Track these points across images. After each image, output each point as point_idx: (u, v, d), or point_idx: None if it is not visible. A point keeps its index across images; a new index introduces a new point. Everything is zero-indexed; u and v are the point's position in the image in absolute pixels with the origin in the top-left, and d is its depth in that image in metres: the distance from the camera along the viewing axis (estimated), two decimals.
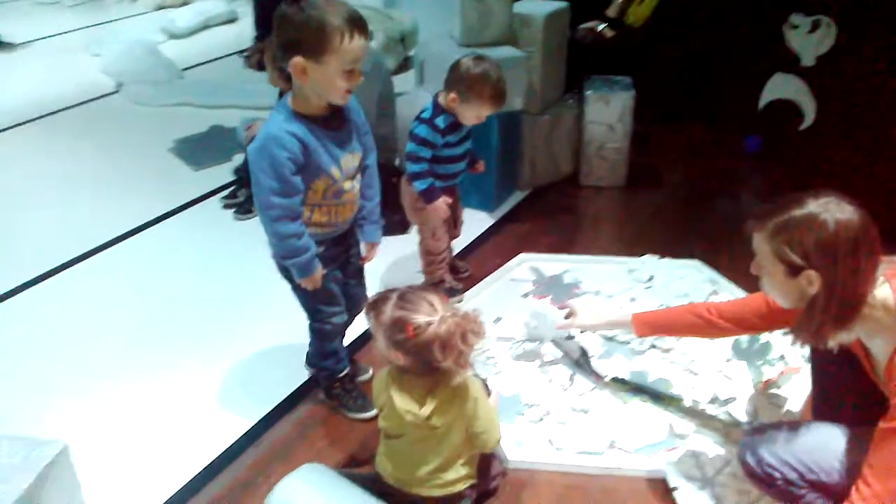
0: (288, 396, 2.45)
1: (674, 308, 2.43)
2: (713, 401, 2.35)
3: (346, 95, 1.90)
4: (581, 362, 2.53)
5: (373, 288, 2.28)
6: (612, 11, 4.83)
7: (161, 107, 5.03)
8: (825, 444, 1.75)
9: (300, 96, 1.92)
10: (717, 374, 2.46)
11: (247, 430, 2.31)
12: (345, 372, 2.37)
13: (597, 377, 2.47)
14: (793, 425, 1.85)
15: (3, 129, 4.75)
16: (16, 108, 5.05)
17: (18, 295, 3.06)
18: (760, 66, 4.10)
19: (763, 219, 1.62)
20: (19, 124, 4.82)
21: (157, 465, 2.20)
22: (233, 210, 3.63)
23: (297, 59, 1.80)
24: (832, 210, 1.53)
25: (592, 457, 2.17)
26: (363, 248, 2.28)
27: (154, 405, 2.43)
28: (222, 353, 2.63)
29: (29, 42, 6.69)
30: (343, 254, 2.22)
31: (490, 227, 3.50)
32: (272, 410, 2.39)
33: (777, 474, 1.76)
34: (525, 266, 3.14)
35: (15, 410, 2.40)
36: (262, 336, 2.70)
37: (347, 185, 2.04)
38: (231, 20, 7.16)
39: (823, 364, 1.90)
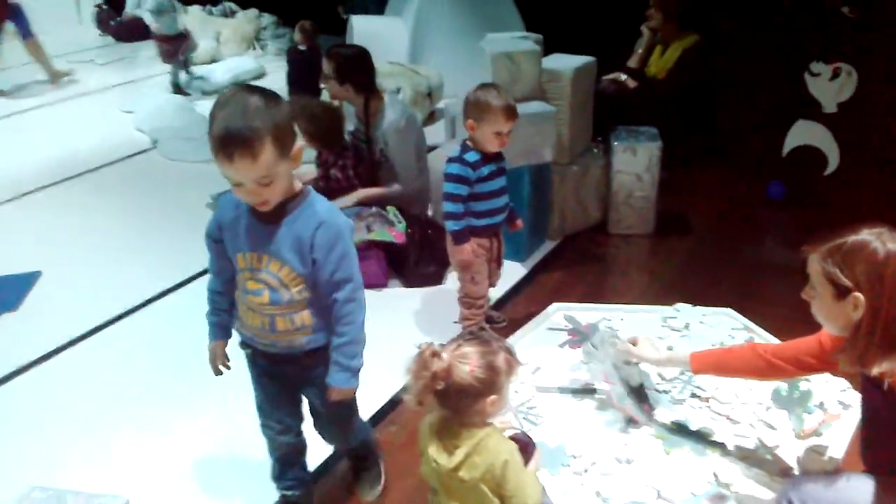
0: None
1: (732, 348, 2.48)
2: (756, 448, 2.38)
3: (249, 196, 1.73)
4: (638, 390, 2.57)
5: (410, 338, 2.31)
6: (633, 62, 4.99)
7: (195, 163, 5.16)
8: (853, 498, 1.78)
9: None
10: (758, 422, 2.49)
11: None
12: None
13: (649, 409, 2.50)
14: (830, 477, 1.88)
15: (45, 187, 4.86)
16: (59, 164, 5.16)
17: (69, 349, 3.15)
18: (783, 113, 4.19)
19: (819, 243, 1.71)
20: (62, 181, 4.94)
21: None
22: None
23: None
24: (884, 239, 1.64)
25: None
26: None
27: (209, 459, 2.49)
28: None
29: (63, 100, 6.89)
30: (286, 377, 2.02)
31: (522, 277, 3.57)
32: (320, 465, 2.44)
33: None
34: (560, 314, 3.19)
35: (76, 465, 2.46)
36: None
37: (252, 286, 1.83)
38: (260, 76, 7.35)
39: (873, 407, 1.93)
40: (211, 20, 8.28)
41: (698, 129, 4.63)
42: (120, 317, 3.37)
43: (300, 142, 1.72)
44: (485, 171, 2.79)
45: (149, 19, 7.07)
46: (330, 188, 3.67)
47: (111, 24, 9.14)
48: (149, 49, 7.61)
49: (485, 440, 1.72)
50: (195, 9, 8.35)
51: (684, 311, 3.15)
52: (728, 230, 3.99)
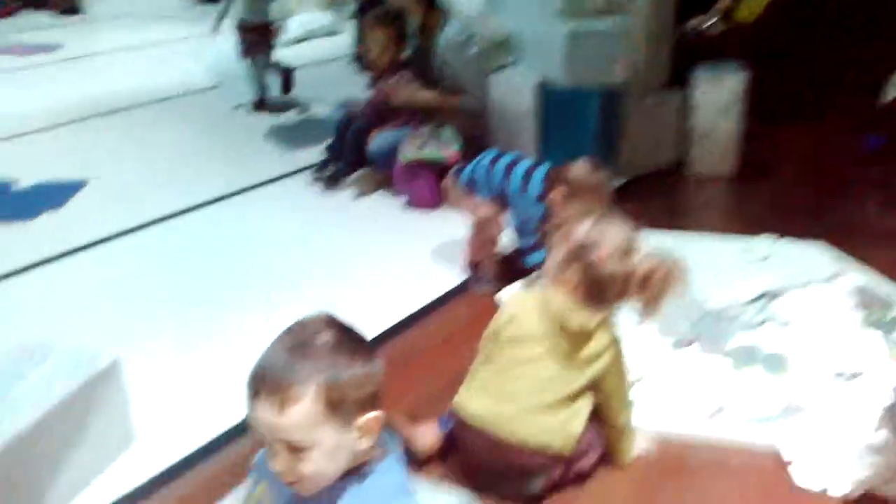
0: None
1: None
2: (840, 375, 2.04)
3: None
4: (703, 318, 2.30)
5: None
6: (721, 5, 4.61)
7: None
8: None
9: None
10: (843, 347, 2.15)
11: None
12: None
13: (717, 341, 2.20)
14: None
15: (123, 109, 5.00)
16: (133, 95, 5.30)
17: (121, 238, 3.13)
18: (883, 62, 3.78)
19: None
20: (134, 107, 5.07)
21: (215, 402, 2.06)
22: (321, 182, 3.55)
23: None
24: None
25: (695, 423, 1.90)
26: None
27: (217, 352, 2.31)
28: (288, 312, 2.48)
29: (146, 46, 7.04)
30: None
31: None
32: None
33: None
34: None
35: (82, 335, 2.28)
36: (331, 297, 2.55)
37: None
38: (332, 33, 7.24)
39: None
40: None
41: (789, 78, 4.22)
42: (173, 215, 3.34)
43: (375, 413, 1.18)
44: None
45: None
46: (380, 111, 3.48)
47: None
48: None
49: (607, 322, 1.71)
50: None
51: (766, 243, 2.81)
52: (821, 178, 3.59)
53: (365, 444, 1.17)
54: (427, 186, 3.25)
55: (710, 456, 1.84)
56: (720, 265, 2.68)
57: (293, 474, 1.15)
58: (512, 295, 1.81)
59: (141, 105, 5.07)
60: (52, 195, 3.48)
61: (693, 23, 4.48)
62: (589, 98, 3.23)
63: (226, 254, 2.99)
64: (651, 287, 1.64)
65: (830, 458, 1.76)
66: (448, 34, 3.38)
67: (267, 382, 1.12)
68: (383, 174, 3.44)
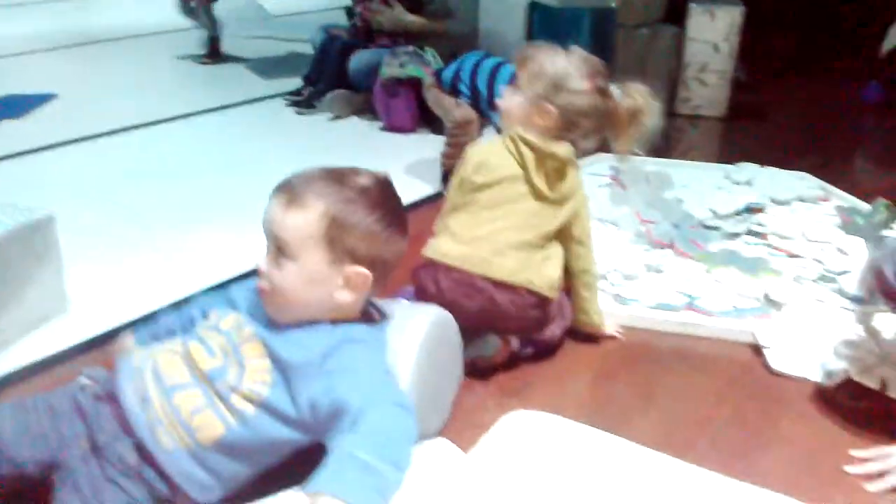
0: None
1: None
2: (821, 277, 1.93)
3: None
4: (679, 225, 2.19)
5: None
6: None
7: (245, 38, 4.96)
8: None
9: None
10: (825, 253, 2.04)
11: None
12: None
13: (699, 245, 2.09)
14: None
15: (103, 41, 4.93)
16: (117, 28, 5.24)
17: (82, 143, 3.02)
18: (884, 11, 3.68)
19: None
20: (119, 39, 5.02)
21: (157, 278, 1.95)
22: (296, 105, 3.43)
23: None
24: None
25: (666, 312, 1.79)
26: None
27: (164, 254, 2.15)
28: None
29: None
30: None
31: None
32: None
33: None
34: (604, 164, 2.77)
35: None
36: None
37: (185, 382, 1.15)
38: None
39: None
40: None
41: (789, 28, 4.12)
42: (145, 124, 3.24)
43: (364, 270, 1.16)
44: None
45: None
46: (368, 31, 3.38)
47: None
48: None
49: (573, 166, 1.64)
50: None
51: (750, 169, 2.69)
52: (813, 124, 3.48)
53: (345, 297, 1.17)
54: (405, 105, 3.13)
55: (678, 344, 1.73)
56: (702, 187, 2.56)
57: (268, 279, 1.16)
58: (474, 145, 1.69)
59: (123, 38, 4.98)
60: (18, 104, 3.36)
61: None
62: (581, 18, 3.13)
63: (191, 170, 2.81)
64: (635, 122, 1.63)
65: (808, 348, 1.65)
66: None
67: (289, 185, 1.17)
68: (361, 96, 3.33)
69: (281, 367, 1.12)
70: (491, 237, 1.55)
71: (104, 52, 4.69)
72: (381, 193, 1.20)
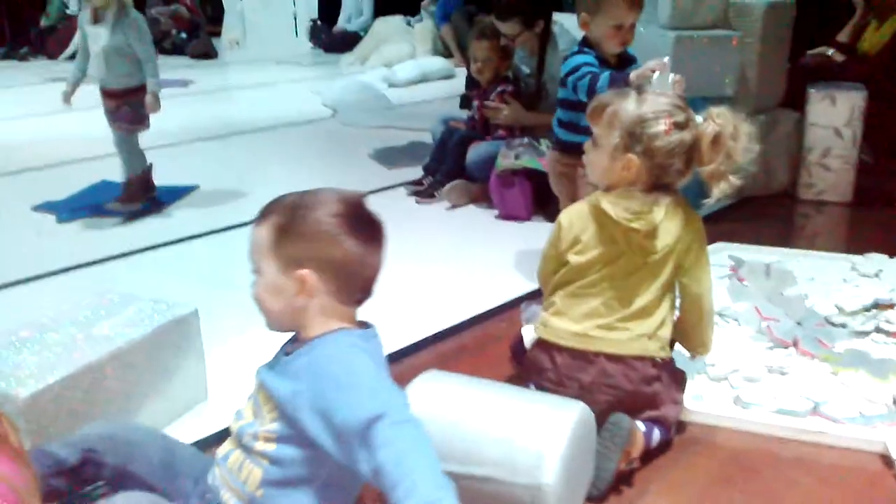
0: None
1: None
2: None
3: None
4: (803, 322, 2.14)
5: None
6: (843, 36, 4.42)
7: (368, 128, 5.21)
8: None
9: None
10: None
11: None
12: None
13: (824, 344, 2.03)
14: None
15: (244, 133, 5.26)
16: (255, 121, 5.58)
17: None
18: None
19: None
20: (254, 131, 5.32)
21: None
22: (416, 195, 3.58)
23: None
24: None
25: (789, 418, 1.75)
26: None
27: None
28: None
29: (273, 83, 7.46)
30: None
31: None
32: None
33: None
34: (722, 253, 2.75)
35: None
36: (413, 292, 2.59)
37: (229, 449, 1.31)
38: (449, 76, 7.39)
39: None
40: (407, 29, 8.52)
41: None
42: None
43: (305, 271, 1.22)
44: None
45: None
46: (485, 123, 3.52)
47: (321, 38, 9.68)
48: (348, 56, 8.27)
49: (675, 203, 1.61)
50: (397, 18, 8.62)
51: (878, 260, 2.60)
52: None
53: (301, 303, 1.24)
54: (520, 195, 3.22)
55: (802, 452, 1.68)
56: (827, 279, 2.50)
57: (253, 295, 1.29)
58: (565, 213, 1.70)
59: (258, 130, 5.32)
60: (167, 195, 3.65)
61: (813, 53, 4.32)
62: (697, 109, 3.13)
63: None
64: (720, 147, 1.55)
65: None
66: (560, 47, 3.36)
67: (263, 207, 1.28)
68: (478, 187, 3.44)
69: (278, 403, 1.22)
70: (595, 314, 1.59)
71: (246, 142, 5.02)
72: (339, 203, 1.25)
